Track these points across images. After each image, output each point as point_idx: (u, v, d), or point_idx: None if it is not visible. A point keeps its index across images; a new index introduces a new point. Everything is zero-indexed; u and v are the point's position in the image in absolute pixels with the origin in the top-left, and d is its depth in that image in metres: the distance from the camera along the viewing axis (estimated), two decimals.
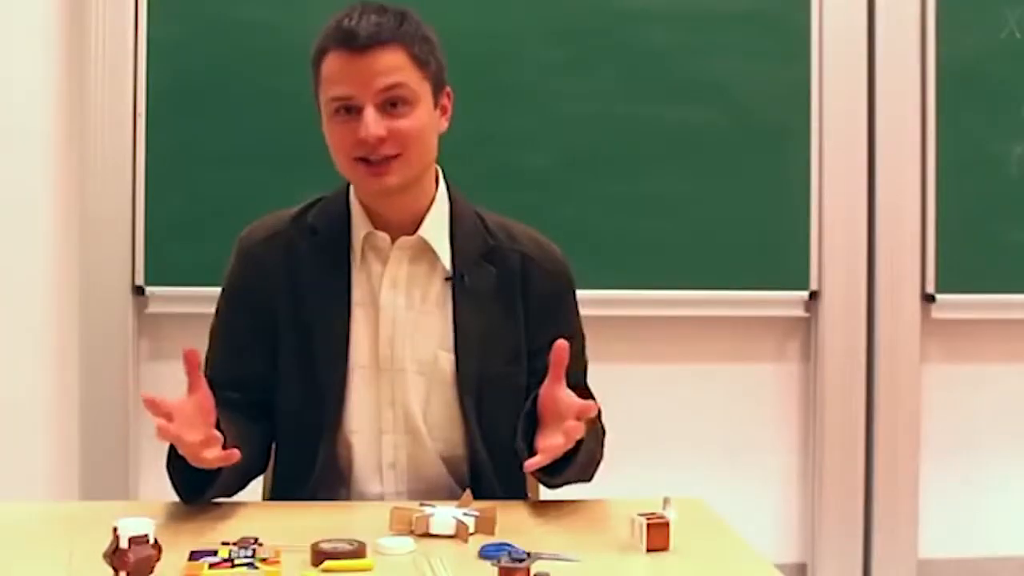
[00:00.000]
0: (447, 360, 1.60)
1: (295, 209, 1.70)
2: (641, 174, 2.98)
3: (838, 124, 3.03)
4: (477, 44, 2.84)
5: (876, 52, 3.04)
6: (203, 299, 2.70)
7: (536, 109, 2.92)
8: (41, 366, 2.91)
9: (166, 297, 2.85)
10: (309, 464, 1.60)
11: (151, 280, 2.83)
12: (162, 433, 1.35)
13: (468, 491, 1.49)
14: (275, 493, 1.72)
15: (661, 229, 2.98)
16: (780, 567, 1.37)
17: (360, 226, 1.64)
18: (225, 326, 1.68)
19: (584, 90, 2.94)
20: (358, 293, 1.63)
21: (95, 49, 2.79)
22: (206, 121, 2.84)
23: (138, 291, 2.84)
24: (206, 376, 1.65)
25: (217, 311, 1.71)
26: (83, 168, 2.82)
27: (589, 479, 1.64)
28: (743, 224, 3.01)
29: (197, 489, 1.48)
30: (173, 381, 2.90)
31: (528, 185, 2.90)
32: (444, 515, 1.41)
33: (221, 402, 1.50)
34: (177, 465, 1.46)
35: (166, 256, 2.83)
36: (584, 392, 1.66)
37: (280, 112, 2.80)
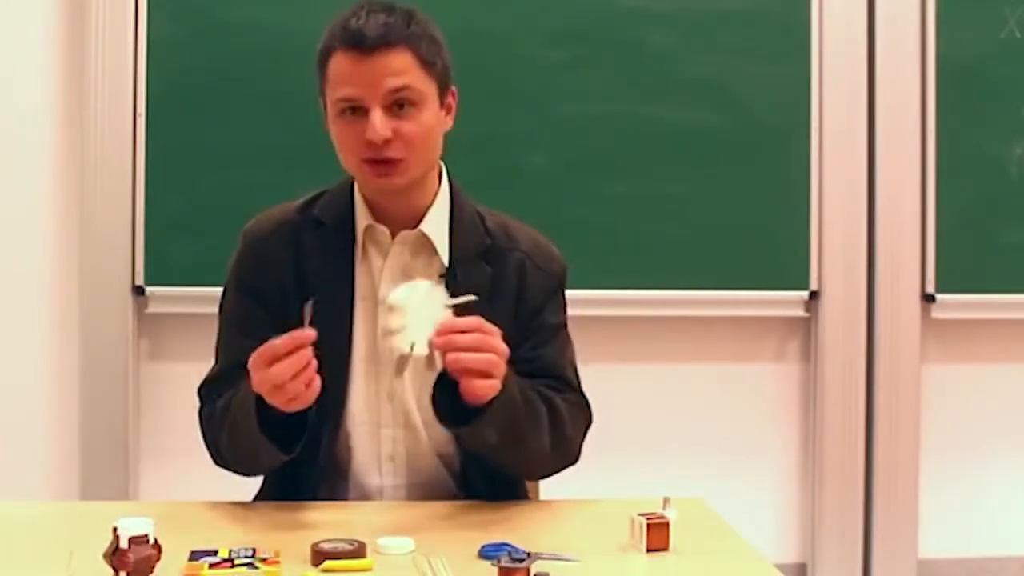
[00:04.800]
0: (436, 357, 1.60)
1: (300, 201, 1.70)
2: (641, 174, 2.98)
3: (838, 124, 3.03)
4: (477, 44, 2.83)
5: (876, 52, 3.04)
6: (203, 299, 2.70)
7: (536, 109, 2.92)
8: (41, 366, 2.91)
9: (166, 297, 2.85)
10: (312, 455, 1.60)
11: (151, 280, 2.83)
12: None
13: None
14: (276, 486, 1.71)
15: (661, 229, 2.98)
16: (780, 567, 1.37)
17: (362, 219, 1.64)
18: (236, 313, 1.68)
19: (584, 90, 2.94)
20: (360, 286, 1.64)
21: (95, 49, 2.79)
22: (206, 121, 2.84)
23: (138, 291, 2.84)
24: (223, 365, 1.66)
25: (224, 301, 1.70)
26: (83, 168, 2.82)
27: (523, 452, 1.59)
28: (743, 224, 3.01)
29: (290, 439, 1.50)
30: (173, 381, 2.94)
31: (528, 185, 2.90)
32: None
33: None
34: (269, 422, 1.48)
35: (166, 256, 2.83)
36: (560, 382, 1.67)
37: (280, 112, 2.80)
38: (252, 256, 1.67)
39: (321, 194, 1.70)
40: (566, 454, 1.66)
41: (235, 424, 1.53)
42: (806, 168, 3.02)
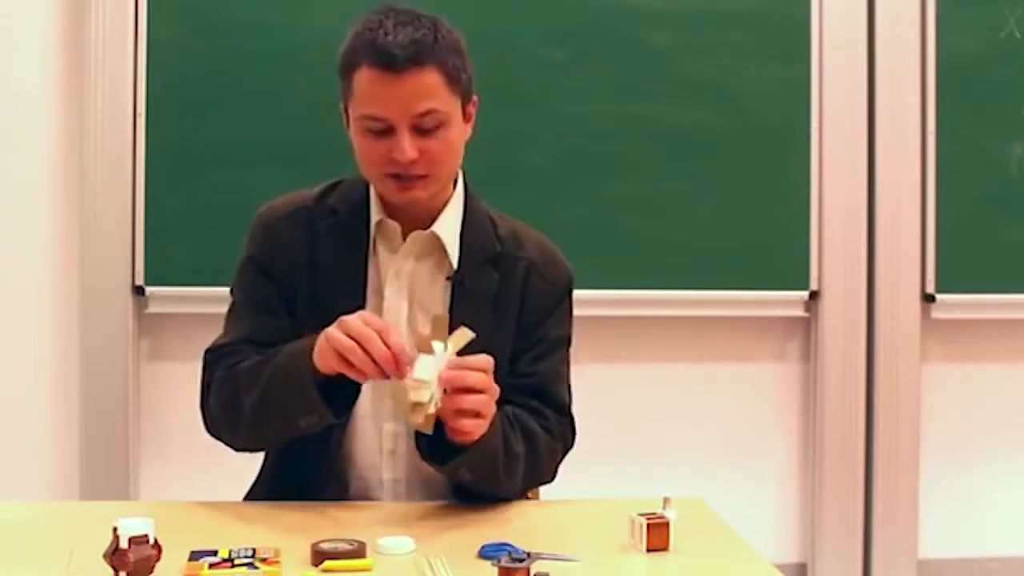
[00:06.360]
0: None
1: (317, 189, 1.70)
2: (641, 174, 2.98)
3: (838, 124, 3.03)
4: (477, 44, 2.80)
5: (876, 52, 3.04)
6: (203, 299, 2.72)
7: (536, 109, 2.92)
8: (41, 366, 2.91)
9: (166, 297, 2.85)
10: (320, 445, 1.60)
11: (151, 280, 2.83)
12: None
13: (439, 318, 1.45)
14: (280, 476, 1.70)
15: (661, 229, 2.98)
16: (780, 567, 1.37)
17: (375, 212, 1.65)
18: (248, 289, 1.67)
19: (584, 90, 2.94)
20: (371, 279, 1.64)
21: (95, 49, 2.79)
22: (206, 121, 2.84)
23: (138, 291, 2.84)
24: (234, 336, 1.65)
25: (237, 277, 1.69)
26: (83, 168, 2.82)
27: (497, 488, 1.59)
28: (743, 224, 3.01)
29: (343, 403, 1.52)
30: (173, 381, 2.94)
31: (528, 185, 2.90)
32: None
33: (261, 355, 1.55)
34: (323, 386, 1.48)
35: (166, 256, 2.83)
36: (551, 403, 1.67)
37: (280, 112, 2.81)
38: (266, 236, 1.67)
39: (338, 184, 1.70)
40: (538, 481, 1.69)
41: (273, 383, 1.52)
42: (806, 168, 3.02)
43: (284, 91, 2.80)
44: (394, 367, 1.40)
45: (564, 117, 2.94)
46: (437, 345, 1.41)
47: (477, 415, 1.43)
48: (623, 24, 2.94)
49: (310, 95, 2.81)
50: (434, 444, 1.48)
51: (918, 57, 3.04)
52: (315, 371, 1.47)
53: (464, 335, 1.45)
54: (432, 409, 1.40)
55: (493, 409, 1.46)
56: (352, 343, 1.41)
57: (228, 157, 2.84)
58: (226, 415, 1.60)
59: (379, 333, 1.41)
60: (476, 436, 1.45)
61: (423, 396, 1.38)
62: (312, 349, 1.47)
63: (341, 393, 1.50)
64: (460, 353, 1.44)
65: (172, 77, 2.82)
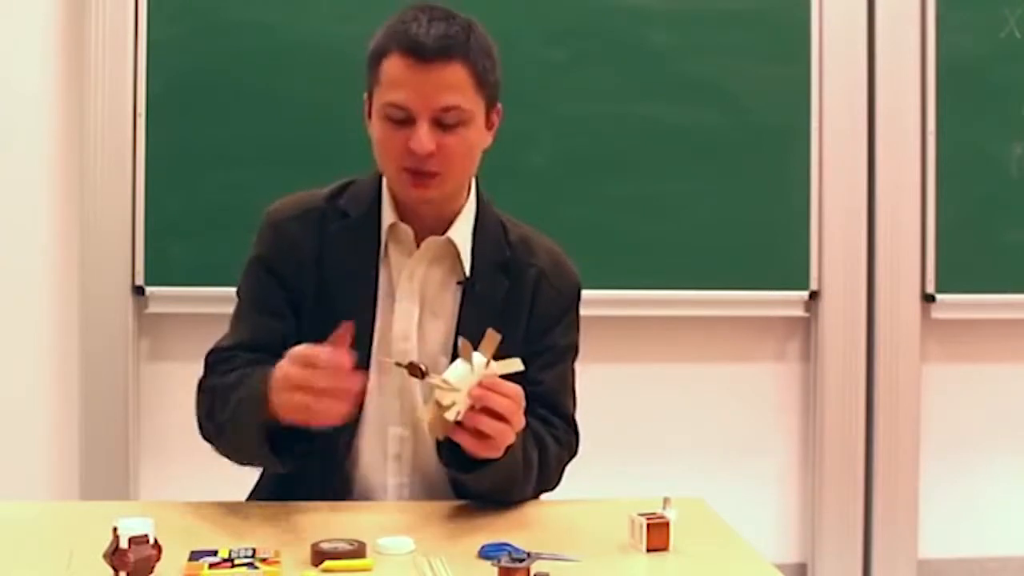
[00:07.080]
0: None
1: (327, 189, 1.69)
2: (641, 174, 2.98)
3: (838, 124, 3.03)
4: None
5: (876, 52, 3.04)
6: (203, 299, 2.72)
7: (536, 109, 2.92)
8: (41, 366, 2.91)
9: (166, 297, 2.85)
10: (326, 450, 1.59)
11: (151, 280, 2.83)
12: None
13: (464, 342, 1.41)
14: (284, 479, 1.68)
15: (661, 229, 2.98)
16: (780, 567, 1.37)
17: (388, 216, 1.64)
18: (253, 290, 1.66)
19: (584, 90, 2.94)
20: (381, 283, 1.63)
21: (95, 49, 2.79)
22: (206, 121, 2.84)
23: (138, 291, 2.84)
24: (235, 340, 1.64)
25: (242, 278, 1.68)
26: (83, 168, 2.82)
27: (508, 498, 1.59)
28: (743, 224, 3.01)
29: (297, 451, 1.50)
30: (173, 381, 2.94)
31: (528, 185, 2.90)
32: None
33: (255, 364, 1.54)
34: (274, 432, 1.47)
35: (166, 256, 2.83)
36: (557, 413, 1.67)
37: (279, 112, 2.81)
38: (275, 235, 1.66)
39: (348, 184, 1.69)
40: (544, 489, 1.69)
41: (236, 420, 1.51)
42: (806, 168, 3.02)
43: (284, 91, 2.80)
44: (344, 373, 1.36)
45: (564, 117, 2.94)
46: (479, 358, 1.39)
47: (492, 439, 1.41)
48: (623, 24, 2.94)
49: (310, 95, 2.82)
50: (454, 452, 1.47)
51: (918, 57, 3.04)
52: (270, 418, 1.44)
53: (512, 365, 1.43)
54: (451, 418, 1.38)
55: (511, 439, 1.43)
56: (300, 396, 1.37)
57: (228, 157, 2.84)
58: (208, 424, 1.61)
59: (309, 363, 1.36)
60: (486, 456, 1.44)
61: (448, 400, 1.37)
62: (264, 397, 1.43)
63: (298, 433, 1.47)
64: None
65: (172, 77, 2.82)
